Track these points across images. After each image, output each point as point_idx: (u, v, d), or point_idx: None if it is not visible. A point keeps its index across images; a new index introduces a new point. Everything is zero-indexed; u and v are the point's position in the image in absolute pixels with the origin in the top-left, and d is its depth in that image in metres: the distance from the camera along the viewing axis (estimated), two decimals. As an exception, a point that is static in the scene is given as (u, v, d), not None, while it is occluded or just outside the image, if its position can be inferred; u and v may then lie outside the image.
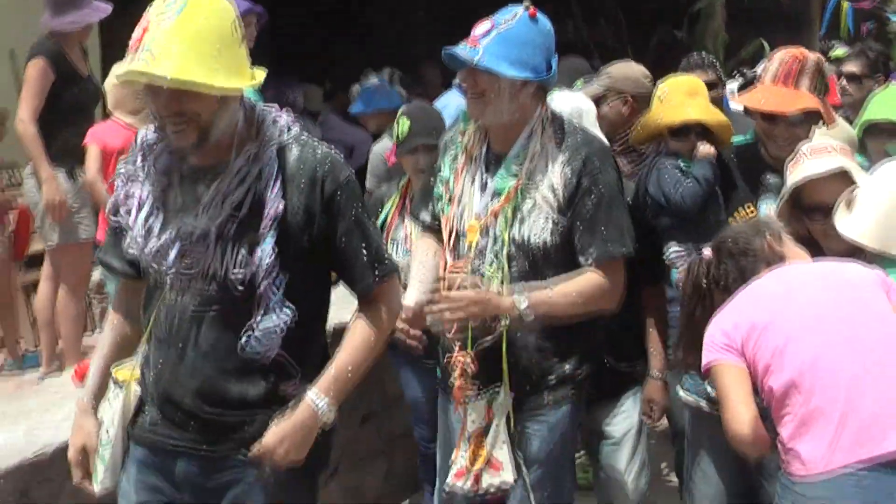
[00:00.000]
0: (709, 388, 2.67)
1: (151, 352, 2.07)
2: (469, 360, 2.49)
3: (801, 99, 2.90)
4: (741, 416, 2.22)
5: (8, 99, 4.74)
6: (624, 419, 3.06)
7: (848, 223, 2.51)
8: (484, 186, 2.54)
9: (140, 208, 2.00)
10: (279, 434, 1.96)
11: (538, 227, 2.48)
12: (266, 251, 1.93)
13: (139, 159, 2.03)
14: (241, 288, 1.94)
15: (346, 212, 2.01)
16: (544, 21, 2.52)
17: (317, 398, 1.99)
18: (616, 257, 2.50)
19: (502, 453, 2.52)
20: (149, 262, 2.00)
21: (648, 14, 9.10)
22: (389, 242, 3.35)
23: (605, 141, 2.85)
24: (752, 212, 2.93)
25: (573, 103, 3.28)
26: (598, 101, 3.51)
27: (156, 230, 1.98)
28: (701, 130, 3.04)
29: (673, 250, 3.03)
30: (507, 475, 2.51)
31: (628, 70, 3.77)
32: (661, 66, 3.89)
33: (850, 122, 3.67)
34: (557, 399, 2.58)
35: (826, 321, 2.22)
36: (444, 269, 2.62)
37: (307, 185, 1.98)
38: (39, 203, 4.13)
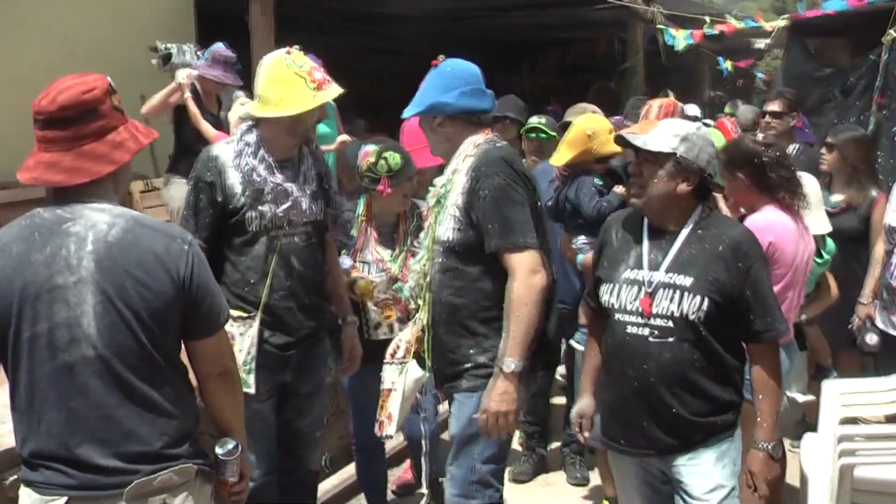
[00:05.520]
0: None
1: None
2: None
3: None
4: None
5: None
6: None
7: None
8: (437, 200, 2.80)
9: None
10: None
11: (445, 226, 2.68)
12: None
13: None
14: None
15: None
16: (445, 64, 2.71)
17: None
18: (511, 248, 2.55)
19: (395, 410, 2.81)
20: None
21: (585, 68, 11.28)
22: (359, 263, 3.47)
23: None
24: None
25: None
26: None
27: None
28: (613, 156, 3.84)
29: (581, 241, 3.74)
30: (391, 429, 2.82)
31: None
32: (599, 107, 4.60)
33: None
34: (472, 386, 2.67)
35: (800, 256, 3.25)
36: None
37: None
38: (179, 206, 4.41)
